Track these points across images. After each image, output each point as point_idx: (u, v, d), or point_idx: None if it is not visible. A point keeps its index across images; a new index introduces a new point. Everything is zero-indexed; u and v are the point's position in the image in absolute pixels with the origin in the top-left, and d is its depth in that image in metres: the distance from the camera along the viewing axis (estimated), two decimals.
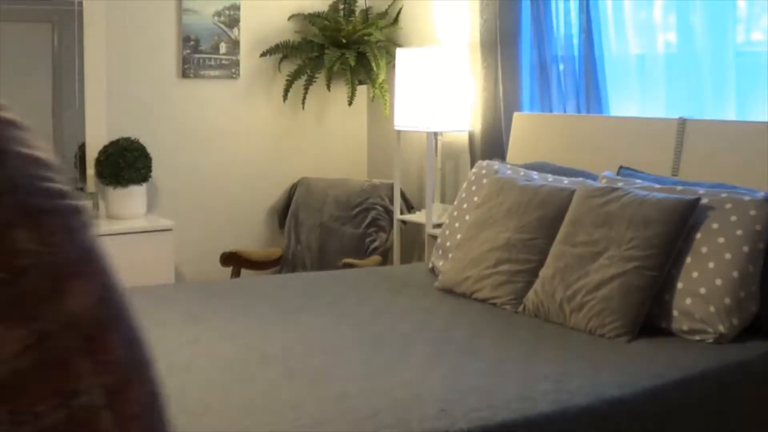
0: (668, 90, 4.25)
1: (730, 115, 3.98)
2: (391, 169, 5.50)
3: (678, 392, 2.84)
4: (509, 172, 4.15)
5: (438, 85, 4.94)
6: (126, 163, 5.08)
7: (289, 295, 3.96)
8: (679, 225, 3.31)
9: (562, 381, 2.76)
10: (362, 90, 5.89)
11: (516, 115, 4.71)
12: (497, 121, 4.86)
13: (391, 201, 5.42)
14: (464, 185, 4.37)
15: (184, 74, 5.57)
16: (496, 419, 2.46)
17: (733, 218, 3.29)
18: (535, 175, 4.07)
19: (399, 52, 5.19)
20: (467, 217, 4.15)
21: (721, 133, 3.82)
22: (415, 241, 5.54)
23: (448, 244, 4.21)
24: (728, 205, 3.33)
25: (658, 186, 3.58)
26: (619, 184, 3.63)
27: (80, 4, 5.21)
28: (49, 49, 5.49)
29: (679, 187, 3.52)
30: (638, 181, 3.70)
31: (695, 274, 3.28)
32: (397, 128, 5.21)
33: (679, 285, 3.30)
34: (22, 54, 5.41)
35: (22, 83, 5.38)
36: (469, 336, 3.27)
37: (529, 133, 4.62)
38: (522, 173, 4.11)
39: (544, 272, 3.56)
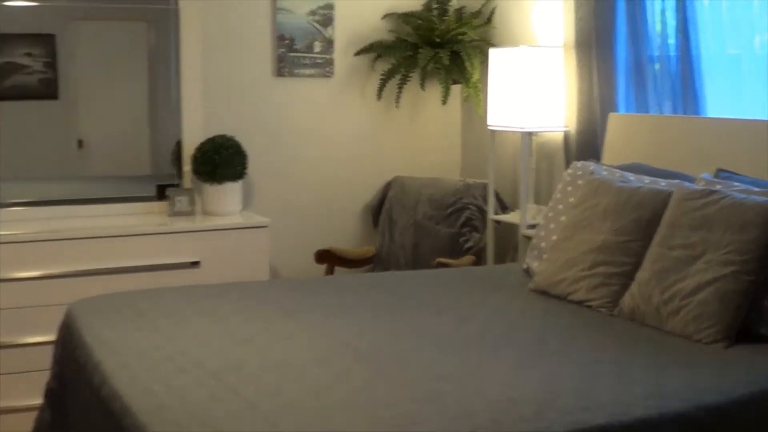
0: (767, 90, 4.18)
1: None
2: (485, 169, 5.48)
3: None
4: (605, 173, 4.11)
5: (532, 84, 4.91)
6: (222, 160, 5.13)
7: (382, 293, 3.97)
8: None
9: (658, 386, 2.73)
10: (456, 89, 5.88)
11: (611, 115, 4.67)
12: (592, 122, 4.82)
13: (485, 201, 5.41)
14: (559, 186, 4.34)
15: (279, 73, 5.62)
16: (592, 423, 2.45)
17: None
18: (631, 176, 4.03)
19: (492, 52, 5.17)
20: (562, 218, 4.13)
21: None
22: (509, 242, 5.52)
23: (543, 245, 4.18)
24: None
25: (756, 189, 3.51)
26: (717, 187, 3.57)
27: (176, 3, 5.27)
28: (145, 48, 5.57)
29: None
30: (736, 183, 3.64)
31: None
32: (491, 128, 5.20)
33: None
34: (119, 52, 5.50)
35: (119, 81, 5.47)
36: (563, 338, 3.26)
37: (624, 134, 4.57)
38: (618, 174, 4.07)
39: (640, 275, 3.53)
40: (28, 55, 5.12)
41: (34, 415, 3.83)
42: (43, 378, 3.79)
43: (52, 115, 5.35)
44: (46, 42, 5.21)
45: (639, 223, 3.67)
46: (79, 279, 4.61)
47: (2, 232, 4.65)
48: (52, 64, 5.20)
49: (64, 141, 5.37)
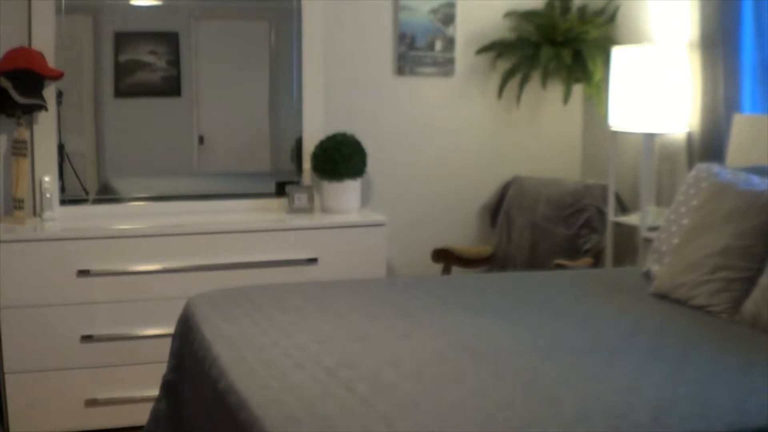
0: None
1: None
2: (606, 170, 5.42)
3: None
4: (729, 175, 4.03)
5: (655, 84, 4.84)
6: (341, 157, 5.16)
7: (500, 293, 3.95)
8: None
9: None
10: (578, 89, 5.83)
11: (736, 116, 4.58)
12: (717, 123, 4.73)
13: (605, 202, 5.35)
14: (682, 188, 4.26)
15: (400, 71, 5.63)
16: (710, 431, 2.40)
17: None
18: (756, 179, 3.93)
19: (615, 51, 5.11)
20: (684, 221, 4.06)
21: None
22: (628, 244, 5.45)
23: (663, 248, 4.11)
24: None
25: None
26: None
27: (299, 1, 5.32)
28: (266, 46, 5.63)
29: None
30: None
31: None
32: (612, 128, 5.14)
33: None
34: (241, 50, 5.56)
35: (240, 78, 5.53)
36: (683, 344, 3.19)
37: (750, 136, 4.47)
38: (742, 177, 3.98)
39: (763, 281, 3.44)
40: (153, 53, 5.21)
41: (150, 406, 3.90)
42: (160, 370, 3.85)
43: (175, 112, 5.43)
44: (169, 40, 5.30)
45: (764, 227, 3.58)
46: (198, 273, 4.68)
47: (125, 226, 4.75)
48: (175, 62, 5.28)
49: (185, 137, 5.45)
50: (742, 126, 4.52)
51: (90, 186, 5.19)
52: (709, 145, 4.75)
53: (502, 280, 4.35)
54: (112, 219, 4.90)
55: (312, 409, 2.52)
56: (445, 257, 5.51)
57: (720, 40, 4.66)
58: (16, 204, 4.77)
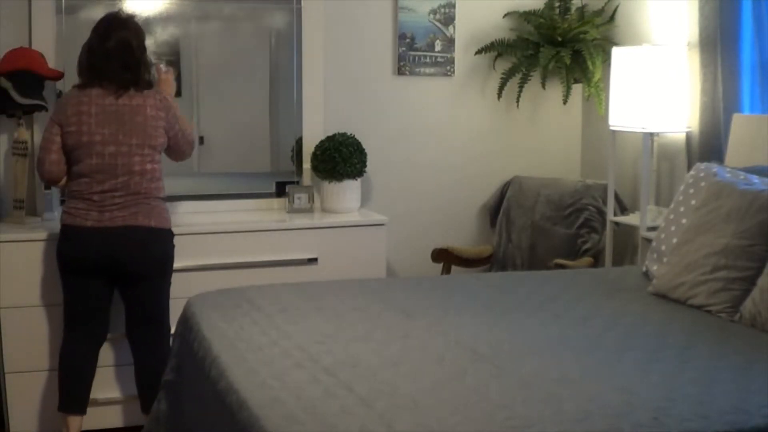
0: None
1: None
2: (605, 170, 5.42)
3: None
4: (728, 175, 4.03)
5: (655, 84, 4.84)
6: (342, 158, 5.15)
7: (499, 293, 3.95)
8: None
9: None
10: (577, 89, 5.83)
11: (735, 116, 4.58)
12: (716, 123, 4.72)
13: (605, 202, 5.35)
14: (681, 188, 4.26)
15: (400, 71, 5.63)
16: (709, 431, 2.40)
17: None
18: (755, 179, 3.94)
19: (615, 51, 5.11)
20: (684, 221, 4.06)
21: None
22: (628, 244, 5.45)
23: (663, 247, 4.12)
24: None
25: None
26: None
27: (299, 2, 5.31)
28: (266, 46, 5.63)
29: None
30: None
31: None
32: (612, 128, 5.14)
33: None
34: (241, 51, 5.56)
35: (240, 78, 5.54)
36: (682, 343, 3.20)
37: (749, 136, 4.47)
38: (742, 177, 3.98)
39: (763, 280, 3.44)
40: (153, 53, 5.20)
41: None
42: None
43: None
44: (169, 41, 5.30)
45: (763, 226, 3.58)
46: (198, 273, 4.68)
47: None
48: (175, 63, 5.28)
49: None
50: (741, 126, 4.52)
51: None
52: (709, 144, 4.74)
53: (502, 280, 4.35)
54: None
55: (312, 409, 2.53)
56: (445, 257, 5.52)
57: (719, 41, 4.66)
58: (17, 204, 4.77)
